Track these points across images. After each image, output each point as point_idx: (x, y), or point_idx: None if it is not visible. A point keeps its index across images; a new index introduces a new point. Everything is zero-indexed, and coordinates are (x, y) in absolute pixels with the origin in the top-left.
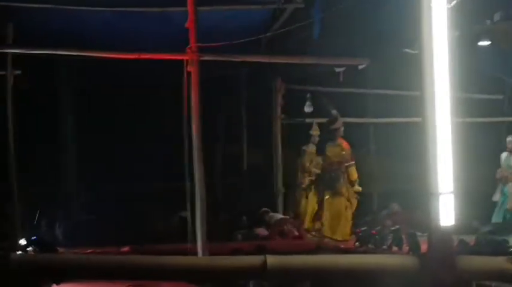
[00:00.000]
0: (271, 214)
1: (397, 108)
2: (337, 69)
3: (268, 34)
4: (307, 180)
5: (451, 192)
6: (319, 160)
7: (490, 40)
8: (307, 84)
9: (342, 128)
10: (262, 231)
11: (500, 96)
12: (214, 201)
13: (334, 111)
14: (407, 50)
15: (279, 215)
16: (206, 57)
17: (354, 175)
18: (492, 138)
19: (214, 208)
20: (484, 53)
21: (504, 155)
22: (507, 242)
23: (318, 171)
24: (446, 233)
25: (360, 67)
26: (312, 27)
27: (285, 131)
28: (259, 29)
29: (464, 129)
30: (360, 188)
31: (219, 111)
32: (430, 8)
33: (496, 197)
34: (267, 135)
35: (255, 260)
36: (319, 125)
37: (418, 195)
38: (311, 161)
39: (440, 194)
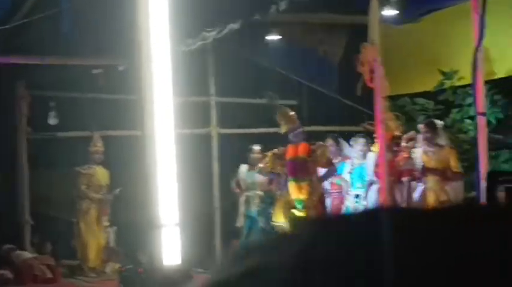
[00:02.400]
0: (18, 252)
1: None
2: (95, 71)
3: (5, 27)
4: (85, 207)
5: (176, 224)
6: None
7: (279, 33)
8: (58, 89)
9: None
10: (6, 274)
11: (294, 102)
12: None
13: None
14: None
15: (27, 254)
16: None
17: None
18: None
19: None
20: (274, 49)
21: (244, 168)
22: None
23: (99, 196)
24: (172, 274)
25: (121, 68)
26: (61, 20)
27: (32, 148)
28: None
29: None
30: None
31: None
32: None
33: (240, 221)
34: (9, 153)
35: None
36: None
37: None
38: (88, 185)
39: (163, 226)
